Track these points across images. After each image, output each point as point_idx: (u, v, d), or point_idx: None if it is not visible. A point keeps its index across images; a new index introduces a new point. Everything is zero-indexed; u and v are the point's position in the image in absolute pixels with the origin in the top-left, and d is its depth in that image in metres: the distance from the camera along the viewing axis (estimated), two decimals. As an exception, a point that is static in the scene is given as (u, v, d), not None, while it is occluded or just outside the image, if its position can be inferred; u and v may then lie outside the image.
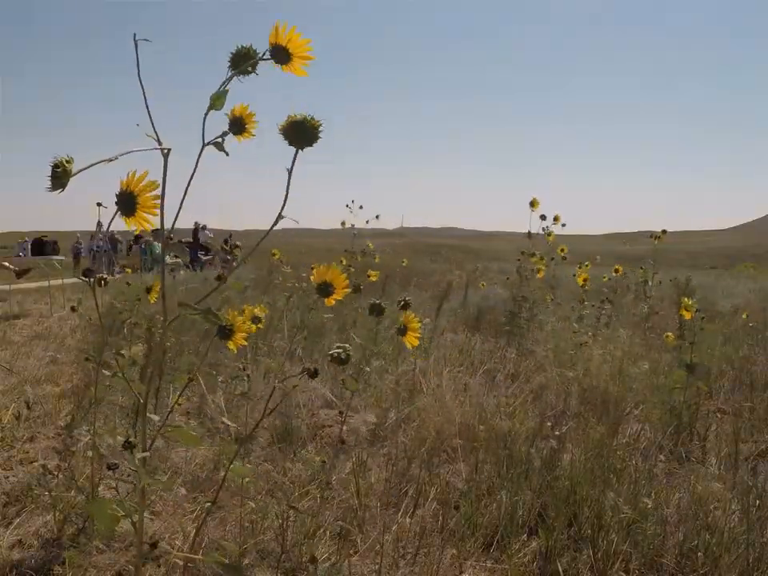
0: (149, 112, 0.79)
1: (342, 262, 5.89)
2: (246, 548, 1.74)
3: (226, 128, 0.87)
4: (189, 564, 1.42)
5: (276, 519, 1.86)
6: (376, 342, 3.76)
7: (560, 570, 1.71)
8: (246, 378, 2.35)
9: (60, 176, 0.75)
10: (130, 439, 1.27)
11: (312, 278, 1.13)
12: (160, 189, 0.80)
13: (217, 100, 0.81)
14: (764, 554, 1.73)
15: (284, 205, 0.87)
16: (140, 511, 0.90)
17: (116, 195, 0.81)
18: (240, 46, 0.82)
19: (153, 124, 0.79)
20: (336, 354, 1.19)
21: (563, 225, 4.80)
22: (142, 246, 13.63)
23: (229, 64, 0.83)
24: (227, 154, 0.83)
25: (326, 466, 2.22)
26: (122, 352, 1.03)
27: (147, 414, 0.94)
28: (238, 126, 0.87)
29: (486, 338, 4.68)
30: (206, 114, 0.81)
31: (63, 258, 8.62)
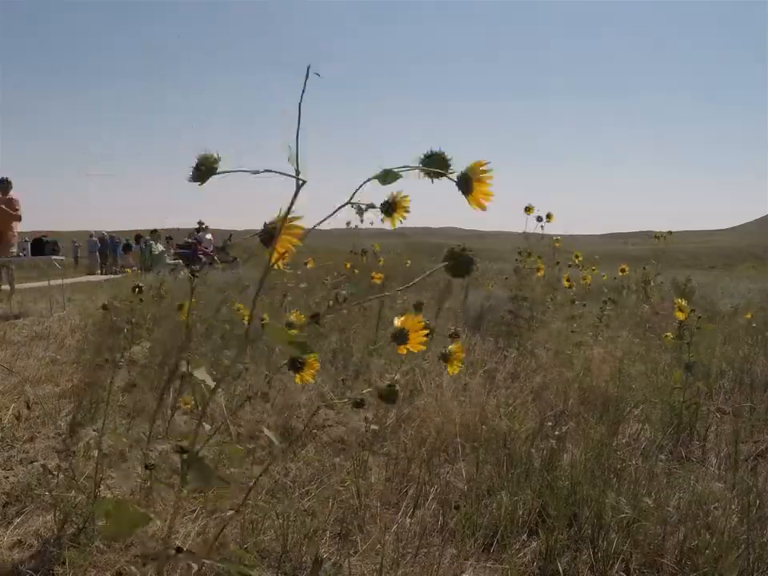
0: (297, 142, 0.79)
1: (346, 266, 5.88)
2: (246, 547, 1.74)
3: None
4: (192, 564, 1.42)
5: (277, 519, 1.86)
6: (376, 342, 3.76)
7: (560, 569, 1.71)
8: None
9: (205, 172, 0.81)
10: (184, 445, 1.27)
11: (396, 322, 1.08)
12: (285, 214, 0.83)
13: (386, 177, 0.81)
14: (764, 554, 1.73)
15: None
16: (173, 514, 0.89)
17: (263, 225, 0.85)
18: (439, 151, 0.83)
19: (297, 153, 0.80)
20: (383, 392, 1.11)
21: (570, 235, 4.86)
22: (142, 247, 13.63)
23: (421, 159, 0.83)
24: (362, 221, 0.84)
25: (327, 466, 2.22)
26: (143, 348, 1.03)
27: (203, 423, 0.94)
28: (389, 209, 0.88)
29: (486, 338, 4.68)
30: (367, 180, 0.82)
31: (63, 257, 8.60)
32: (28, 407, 2.83)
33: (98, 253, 21.71)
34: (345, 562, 1.70)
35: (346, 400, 1.16)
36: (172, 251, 14.20)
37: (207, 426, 0.97)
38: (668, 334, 3.75)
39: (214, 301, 4.98)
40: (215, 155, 0.82)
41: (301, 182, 0.81)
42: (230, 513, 1.10)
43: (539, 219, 4.64)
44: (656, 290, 5.81)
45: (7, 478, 2.22)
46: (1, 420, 2.77)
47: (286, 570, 1.69)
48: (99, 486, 1.93)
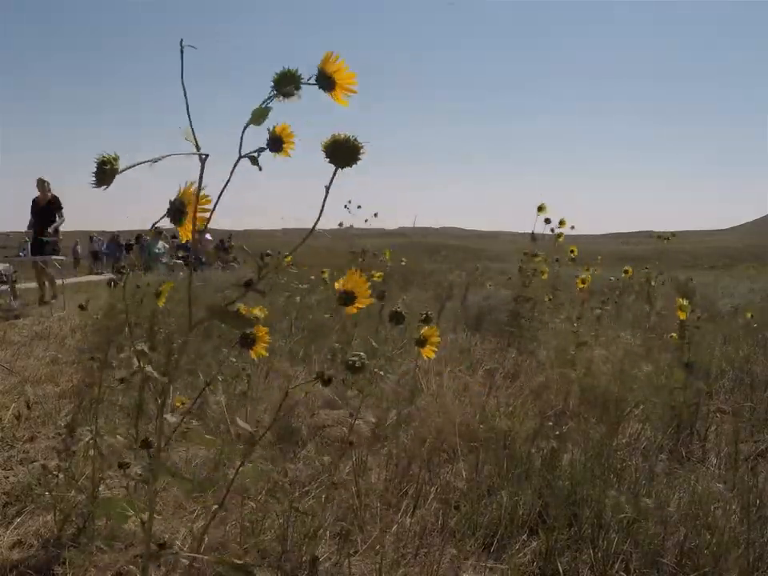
0: (189, 117, 0.80)
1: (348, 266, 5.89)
2: (246, 548, 1.74)
3: (260, 142, 0.87)
4: (194, 564, 1.42)
5: (277, 519, 1.86)
6: (376, 342, 3.76)
7: (560, 569, 1.71)
8: (246, 377, 2.35)
9: (106, 173, 0.77)
10: (149, 439, 1.28)
11: (335, 286, 1.11)
12: (196, 191, 0.83)
13: (258, 116, 0.82)
14: (764, 554, 1.73)
15: (318, 218, 0.89)
16: (150, 511, 0.90)
17: (169, 202, 0.85)
18: (285, 69, 0.83)
19: (192, 129, 0.80)
20: (351, 362, 1.20)
21: (572, 227, 4.82)
22: (143, 246, 13.64)
23: (272, 85, 0.83)
24: (260, 169, 0.84)
25: (328, 466, 2.22)
26: (144, 350, 1.03)
27: (165, 416, 0.95)
28: (277, 144, 0.88)
29: (486, 338, 4.68)
30: (245, 128, 0.82)
31: (63, 257, 8.61)
32: (28, 407, 2.83)
33: (100, 253, 21.70)
34: (345, 562, 1.70)
35: (313, 379, 1.22)
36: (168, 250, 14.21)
37: (173, 419, 0.98)
38: (673, 334, 3.74)
39: (215, 301, 4.98)
40: (114, 154, 0.79)
41: (204, 156, 0.81)
42: (215, 507, 1.10)
43: (548, 221, 4.57)
44: (657, 289, 5.82)
45: (7, 477, 2.22)
46: (1, 420, 2.77)
47: (286, 570, 1.69)
48: (98, 486, 1.93)
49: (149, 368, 0.94)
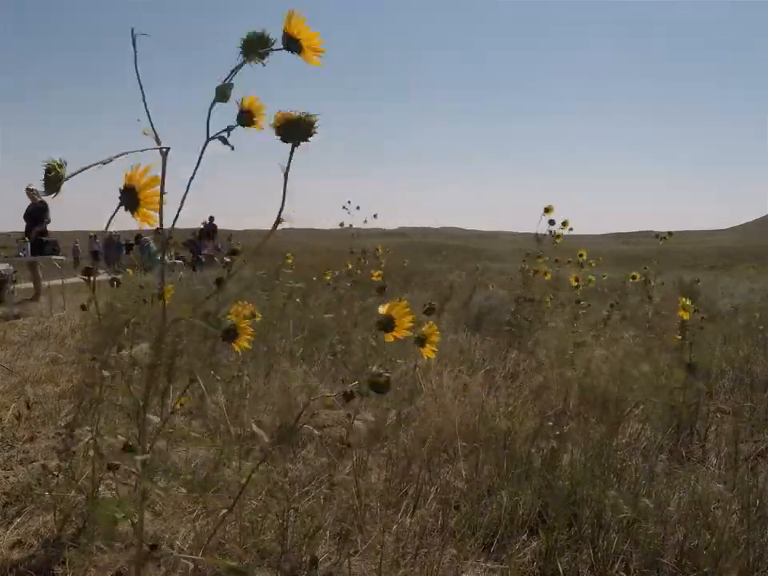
0: (147, 109, 0.77)
1: (347, 265, 5.88)
2: (246, 548, 1.74)
3: (232, 121, 0.83)
4: (198, 567, 1.42)
5: (276, 519, 1.86)
6: (376, 342, 3.75)
7: (560, 569, 1.71)
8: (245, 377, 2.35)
9: (53, 180, 0.74)
10: (129, 442, 1.28)
11: (380, 310, 1.09)
12: (160, 186, 0.80)
13: (222, 93, 0.78)
14: (764, 554, 1.73)
15: (282, 207, 0.84)
16: (140, 513, 0.90)
17: (119, 189, 0.80)
18: (252, 32, 0.79)
19: (151, 121, 0.77)
20: (375, 382, 1.14)
21: (570, 229, 4.80)
22: (143, 246, 13.65)
23: (240, 50, 0.79)
24: (232, 148, 0.80)
25: (327, 466, 2.22)
26: (123, 352, 1.03)
27: (147, 416, 0.94)
28: (247, 117, 0.84)
29: (486, 338, 4.68)
30: (211, 107, 0.78)
31: (63, 257, 8.61)
32: (28, 407, 2.83)
33: (100, 253, 21.66)
34: (345, 562, 1.70)
35: (335, 393, 1.18)
36: (173, 251, 14.22)
37: (155, 419, 0.98)
38: (675, 335, 3.74)
39: (214, 301, 4.97)
40: (60, 160, 0.75)
41: (165, 149, 0.78)
42: (223, 512, 1.10)
43: (551, 223, 4.51)
44: (656, 289, 5.82)
45: (7, 477, 2.22)
46: (1, 420, 2.77)
47: (286, 570, 1.69)
48: (98, 487, 1.93)
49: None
